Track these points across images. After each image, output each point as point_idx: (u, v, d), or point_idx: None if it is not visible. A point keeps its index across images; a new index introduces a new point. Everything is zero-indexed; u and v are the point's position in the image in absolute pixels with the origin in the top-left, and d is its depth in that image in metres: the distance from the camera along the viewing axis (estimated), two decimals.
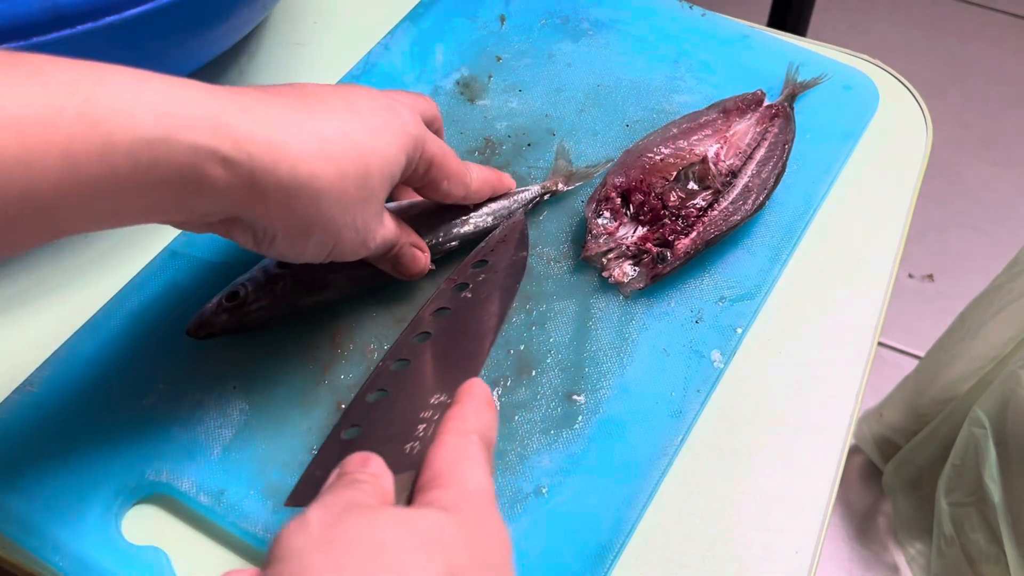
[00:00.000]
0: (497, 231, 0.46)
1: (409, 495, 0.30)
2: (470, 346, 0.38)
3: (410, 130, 0.38)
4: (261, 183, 0.32)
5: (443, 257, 0.46)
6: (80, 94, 0.28)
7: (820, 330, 0.47)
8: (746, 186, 0.48)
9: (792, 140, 0.50)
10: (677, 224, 0.46)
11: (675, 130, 0.50)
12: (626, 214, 0.47)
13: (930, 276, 1.37)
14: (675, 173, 0.48)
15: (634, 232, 0.47)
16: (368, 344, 0.44)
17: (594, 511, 0.39)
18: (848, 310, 0.48)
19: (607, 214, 0.47)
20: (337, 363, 0.44)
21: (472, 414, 0.31)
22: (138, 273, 0.47)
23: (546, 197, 0.49)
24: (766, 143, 0.50)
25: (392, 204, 0.46)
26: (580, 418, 0.42)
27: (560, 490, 0.40)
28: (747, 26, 0.59)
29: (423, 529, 0.26)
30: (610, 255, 0.46)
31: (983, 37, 1.70)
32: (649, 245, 0.46)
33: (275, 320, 0.44)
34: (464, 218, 0.46)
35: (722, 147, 0.50)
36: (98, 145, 0.28)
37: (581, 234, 0.48)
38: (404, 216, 0.44)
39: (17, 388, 0.43)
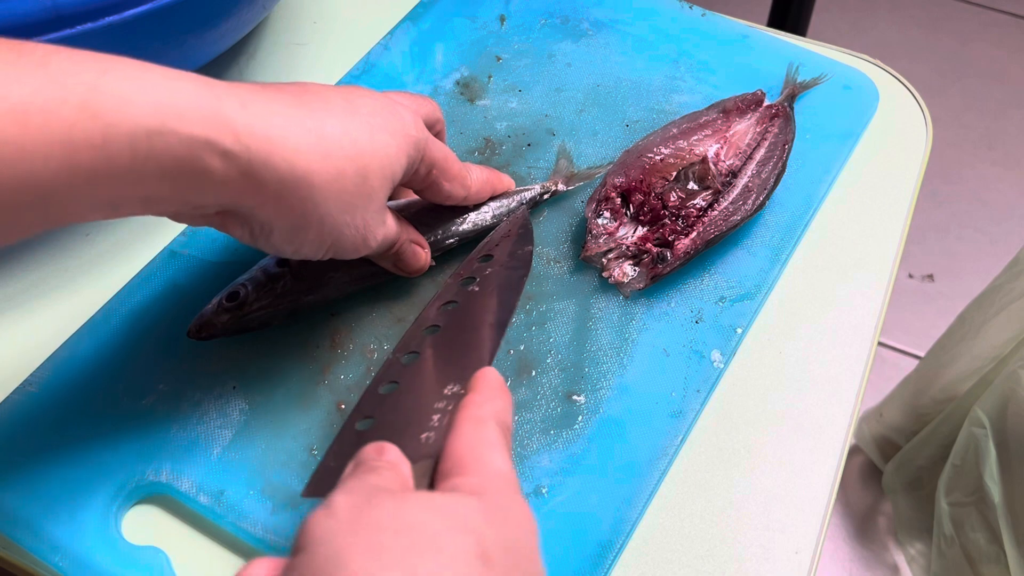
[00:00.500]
0: (501, 226, 0.46)
1: (429, 483, 0.31)
2: (481, 337, 0.38)
3: (411, 132, 0.38)
4: (258, 176, 0.32)
5: (443, 254, 0.46)
6: (83, 84, 0.28)
7: (820, 330, 0.47)
8: (746, 186, 0.48)
9: (792, 140, 0.50)
10: (677, 224, 0.46)
11: (675, 130, 0.50)
12: (626, 214, 0.47)
13: (930, 276, 1.37)
14: (675, 173, 0.48)
15: (634, 232, 0.47)
16: (368, 344, 0.44)
17: (594, 511, 0.39)
18: (848, 310, 0.48)
19: (607, 214, 0.47)
20: (337, 363, 0.44)
21: (488, 401, 0.32)
22: (138, 273, 0.47)
23: (546, 197, 0.49)
24: (766, 143, 0.50)
25: (391, 203, 0.46)
26: (580, 418, 0.42)
27: (560, 490, 0.40)
28: (747, 26, 0.59)
29: (452, 511, 0.26)
30: (610, 255, 0.46)
31: (983, 37, 1.70)
32: (649, 245, 0.46)
33: (276, 320, 0.44)
34: (464, 216, 0.46)
35: (722, 147, 0.50)
36: (99, 135, 0.28)
37: (581, 234, 0.48)
38: (404, 213, 0.44)
39: (17, 388, 0.43)
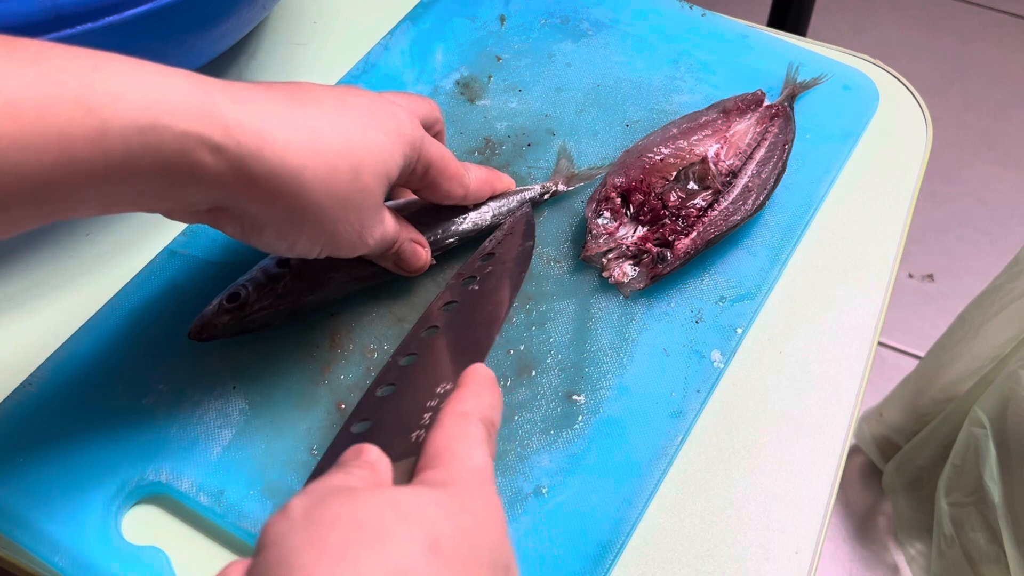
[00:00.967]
0: (505, 224, 0.46)
1: (411, 479, 0.30)
2: (475, 335, 0.38)
3: (406, 131, 0.38)
4: (248, 171, 0.32)
5: (444, 253, 0.46)
6: (77, 80, 0.28)
7: (820, 330, 0.47)
8: (746, 186, 0.48)
9: (792, 140, 0.50)
10: (677, 224, 0.46)
11: (675, 130, 0.50)
12: (626, 214, 0.47)
13: (930, 276, 1.37)
14: (675, 173, 0.48)
15: (634, 232, 0.47)
16: (368, 344, 0.44)
17: (594, 511, 0.39)
18: (848, 310, 0.48)
19: (607, 214, 0.47)
20: (337, 363, 0.44)
21: (472, 396, 0.32)
22: (138, 273, 0.47)
23: (546, 197, 0.49)
24: (766, 143, 0.50)
25: (391, 202, 0.46)
26: (580, 418, 0.42)
27: (560, 490, 0.40)
28: (747, 26, 0.59)
29: (405, 504, 0.26)
30: (610, 255, 0.46)
31: (983, 37, 1.70)
32: (649, 245, 0.46)
33: (276, 320, 0.44)
34: (464, 215, 0.46)
35: (722, 147, 0.50)
36: (92, 130, 0.28)
37: (581, 234, 0.48)
38: (404, 213, 0.44)
39: (17, 388, 0.43)
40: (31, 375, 0.43)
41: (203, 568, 0.39)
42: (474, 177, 0.45)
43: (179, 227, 0.49)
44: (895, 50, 1.66)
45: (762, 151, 0.50)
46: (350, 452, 0.30)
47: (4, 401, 0.42)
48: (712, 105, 0.52)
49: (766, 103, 0.52)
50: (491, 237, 0.46)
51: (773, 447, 0.43)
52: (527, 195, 0.48)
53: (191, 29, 0.47)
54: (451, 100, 0.55)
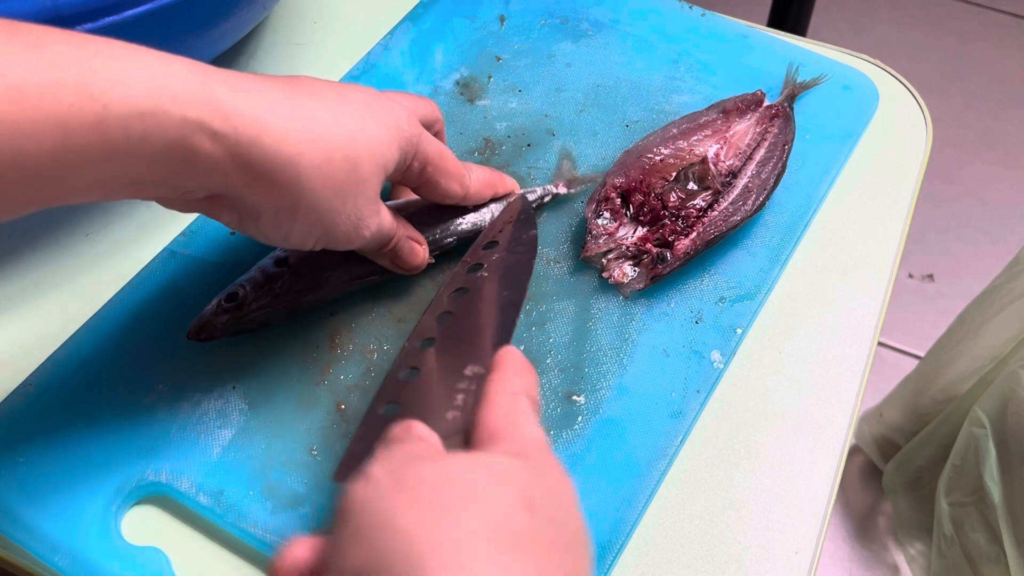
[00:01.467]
0: (500, 214, 0.46)
1: None
2: (497, 319, 0.39)
3: (403, 126, 0.39)
4: (246, 158, 0.32)
5: (442, 253, 0.46)
6: (77, 65, 0.29)
7: (820, 330, 0.47)
8: (746, 186, 0.48)
9: (792, 140, 0.50)
10: (677, 224, 0.46)
11: (675, 130, 0.50)
12: (626, 214, 0.47)
13: (930, 276, 1.37)
14: (675, 173, 0.48)
15: (634, 232, 0.47)
16: (368, 344, 0.44)
17: (594, 511, 0.39)
18: (848, 310, 0.48)
19: (607, 214, 0.47)
20: (337, 363, 0.44)
21: (515, 375, 0.32)
22: (138, 273, 0.47)
23: (547, 200, 0.49)
24: (766, 143, 0.50)
25: (391, 202, 0.46)
26: (580, 418, 0.42)
27: None
28: (747, 26, 0.59)
29: (494, 467, 0.27)
30: (610, 255, 0.46)
31: (983, 37, 1.70)
32: (649, 245, 0.46)
33: (275, 320, 0.44)
34: (463, 215, 0.46)
35: (722, 147, 0.50)
36: (92, 115, 0.29)
37: (581, 234, 0.48)
38: (403, 212, 0.44)
39: (17, 388, 0.43)
40: (31, 375, 0.43)
41: (203, 568, 0.39)
42: (475, 178, 0.45)
43: (179, 227, 0.49)
44: (895, 50, 1.66)
45: (762, 151, 0.50)
46: (399, 429, 0.31)
47: (4, 401, 0.42)
48: (712, 105, 0.52)
49: (766, 103, 0.52)
50: (489, 226, 0.46)
51: (773, 447, 0.43)
52: (528, 197, 0.48)
53: (191, 29, 0.47)
54: (451, 100, 0.55)
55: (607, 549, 0.39)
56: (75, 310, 0.46)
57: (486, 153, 0.52)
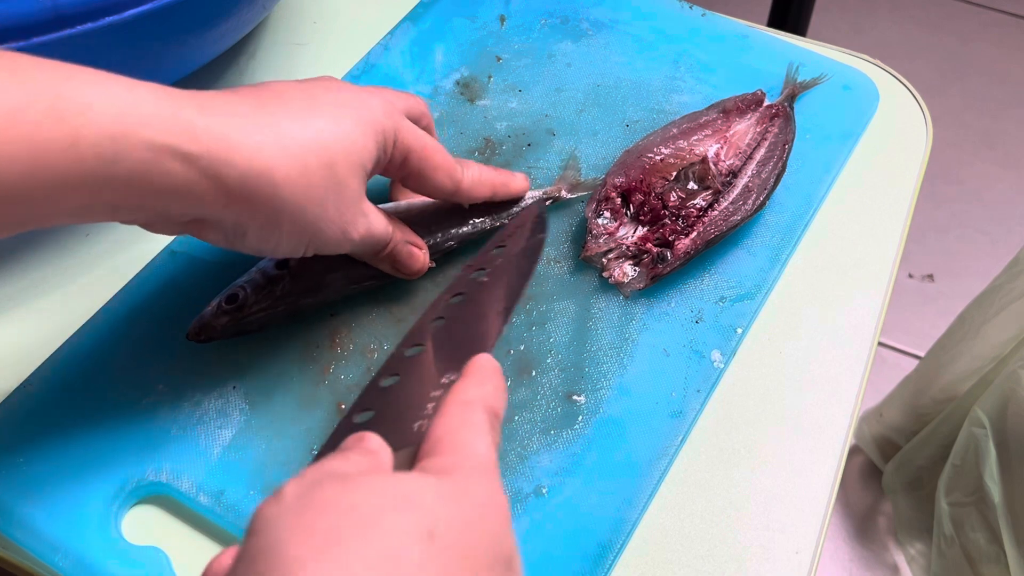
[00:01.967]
0: (517, 217, 0.46)
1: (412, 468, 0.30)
2: (481, 326, 0.38)
3: (377, 118, 0.38)
4: (220, 177, 0.32)
5: (443, 256, 0.46)
6: (50, 89, 0.29)
7: (820, 330, 0.47)
8: (746, 186, 0.48)
9: (792, 140, 0.50)
10: (677, 224, 0.46)
11: (675, 130, 0.50)
12: (626, 214, 0.47)
13: (930, 276, 1.37)
14: (675, 173, 0.48)
15: (634, 232, 0.47)
16: (368, 344, 0.44)
17: (594, 511, 0.39)
18: (848, 310, 0.48)
19: (607, 214, 0.47)
20: (337, 363, 0.44)
21: (476, 385, 0.31)
22: (138, 273, 0.47)
23: (548, 203, 0.49)
24: (766, 143, 0.50)
25: (390, 204, 0.46)
26: (580, 418, 0.42)
27: (560, 490, 0.40)
28: (747, 26, 0.59)
29: (401, 491, 0.25)
30: (610, 255, 0.46)
31: (983, 37, 1.70)
32: (649, 245, 0.46)
33: (274, 322, 0.44)
34: (464, 218, 0.46)
35: (722, 147, 0.50)
36: (64, 139, 0.29)
37: (581, 234, 0.48)
38: (402, 215, 0.44)
39: (17, 388, 0.43)
40: (31, 375, 0.43)
41: (203, 568, 0.39)
42: (469, 174, 0.44)
43: None
44: (895, 50, 1.66)
45: (762, 151, 0.50)
46: (351, 439, 0.30)
47: (4, 401, 0.42)
48: (712, 105, 0.52)
49: (766, 103, 0.52)
50: (504, 229, 0.45)
51: (773, 447, 0.43)
52: (528, 200, 0.48)
53: (191, 29, 0.47)
54: (451, 100, 0.55)
55: (607, 549, 0.39)
56: (75, 310, 0.46)
57: (486, 153, 0.52)
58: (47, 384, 0.43)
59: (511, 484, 0.40)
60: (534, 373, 0.43)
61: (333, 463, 0.28)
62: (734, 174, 0.49)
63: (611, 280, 0.46)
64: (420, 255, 0.44)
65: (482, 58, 0.57)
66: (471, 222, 0.46)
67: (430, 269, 0.45)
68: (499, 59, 0.57)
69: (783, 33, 0.60)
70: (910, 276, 1.37)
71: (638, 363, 0.44)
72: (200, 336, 0.42)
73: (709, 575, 0.39)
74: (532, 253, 0.42)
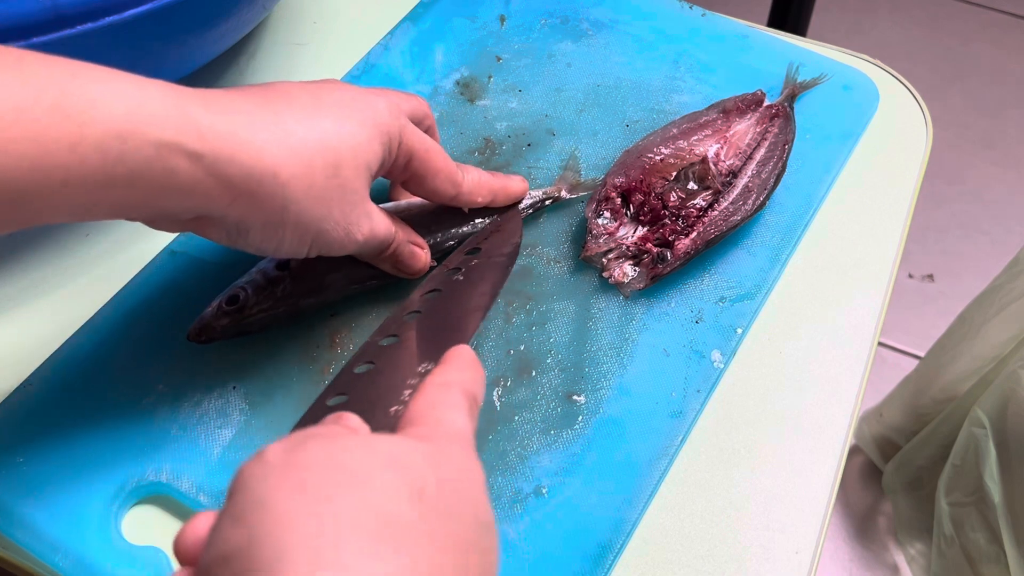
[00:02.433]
0: (491, 222, 0.46)
1: None
2: (458, 320, 0.38)
3: (382, 120, 0.38)
4: (225, 175, 0.32)
5: (444, 256, 0.46)
6: (55, 87, 0.29)
7: (820, 330, 0.47)
8: (746, 186, 0.48)
9: (792, 140, 0.50)
10: (677, 224, 0.47)
11: (675, 130, 0.50)
12: (626, 214, 0.47)
13: (930, 276, 1.37)
14: (675, 173, 0.48)
15: (634, 232, 0.47)
16: None
17: (594, 511, 0.39)
18: (848, 310, 0.48)
19: (607, 214, 0.47)
20: (337, 363, 0.44)
21: (454, 370, 0.31)
22: (138, 273, 0.47)
23: (548, 203, 0.49)
24: (766, 143, 0.50)
25: (390, 204, 0.46)
26: (580, 418, 0.42)
27: (560, 490, 0.40)
28: (747, 26, 0.59)
29: (387, 451, 0.25)
30: (610, 255, 0.46)
31: (983, 37, 1.70)
32: (649, 245, 0.46)
33: (275, 322, 0.44)
34: (465, 219, 0.46)
35: (722, 147, 0.50)
36: (70, 136, 0.29)
37: (581, 234, 0.48)
38: (404, 216, 0.44)
39: (17, 388, 0.43)
40: (31, 375, 0.43)
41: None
42: (470, 179, 0.44)
43: None
44: (895, 50, 1.66)
45: (762, 151, 0.50)
46: (330, 418, 0.30)
47: (4, 401, 0.42)
48: (712, 105, 0.52)
49: (766, 103, 0.52)
50: (478, 232, 0.46)
51: (773, 447, 0.43)
52: (528, 201, 0.48)
53: (191, 29, 0.47)
54: (451, 100, 0.55)
55: (607, 549, 0.39)
56: (75, 310, 0.46)
57: (486, 153, 0.52)
58: (47, 384, 0.43)
59: (511, 484, 0.40)
60: (534, 373, 0.43)
61: (315, 429, 0.27)
62: (734, 174, 0.49)
63: (611, 280, 0.46)
64: (422, 255, 0.44)
65: (482, 58, 0.57)
66: (472, 222, 0.46)
67: (430, 269, 0.45)
68: (499, 59, 0.57)
69: (783, 33, 0.60)
70: (910, 276, 1.37)
71: (638, 363, 0.44)
72: (201, 337, 0.42)
73: (709, 575, 0.39)
74: (508, 256, 0.43)
